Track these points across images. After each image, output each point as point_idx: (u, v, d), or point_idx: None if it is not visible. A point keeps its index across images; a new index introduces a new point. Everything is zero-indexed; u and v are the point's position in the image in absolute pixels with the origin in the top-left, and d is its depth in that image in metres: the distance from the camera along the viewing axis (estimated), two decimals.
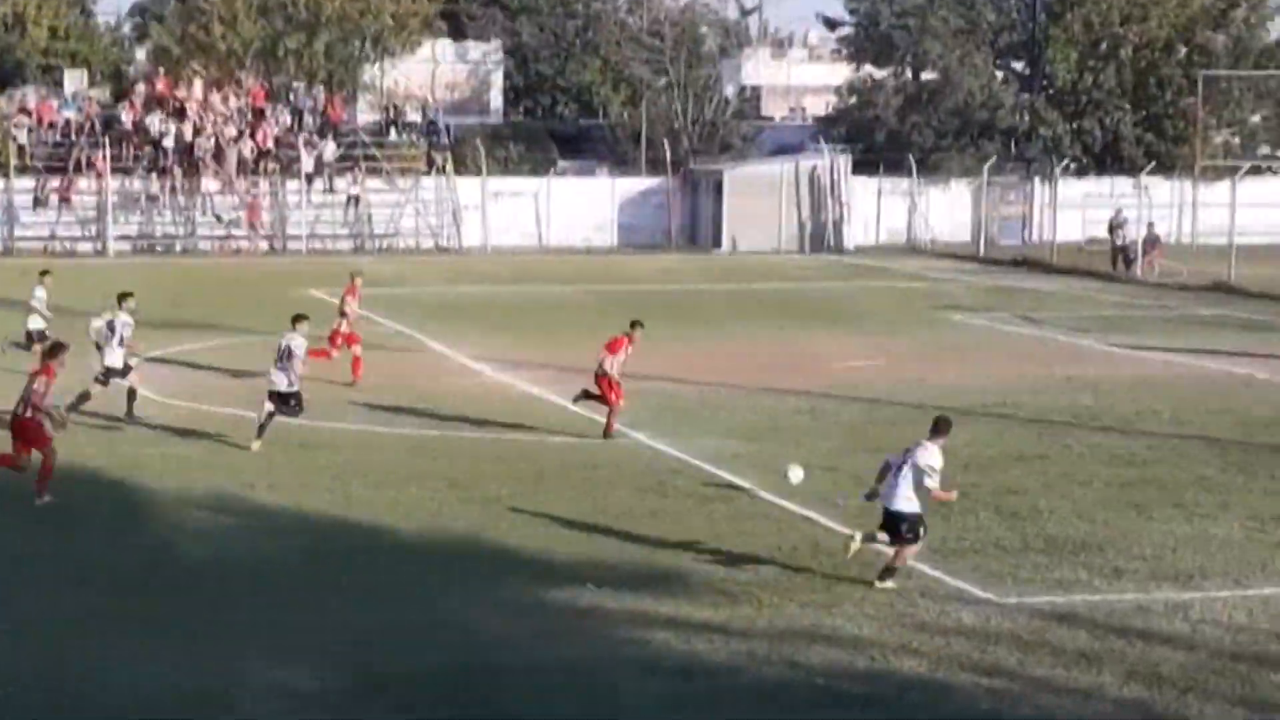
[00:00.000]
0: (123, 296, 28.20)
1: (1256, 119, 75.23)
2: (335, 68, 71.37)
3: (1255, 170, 68.59)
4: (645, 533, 20.65)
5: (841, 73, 77.81)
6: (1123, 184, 67.01)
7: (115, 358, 27.56)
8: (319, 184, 64.63)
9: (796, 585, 18.40)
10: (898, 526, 18.37)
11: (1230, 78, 71.60)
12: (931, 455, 18.29)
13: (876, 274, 57.97)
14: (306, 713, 14.62)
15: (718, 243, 66.98)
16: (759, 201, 66.67)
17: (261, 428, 25.37)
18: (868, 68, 75.07)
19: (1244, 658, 16.02)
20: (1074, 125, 71.72)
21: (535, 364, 34.06)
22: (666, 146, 68.49)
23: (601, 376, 26.81)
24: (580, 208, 67.20)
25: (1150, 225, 57.87)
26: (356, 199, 64.72)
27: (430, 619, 17.10)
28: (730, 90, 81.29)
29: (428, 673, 15.54)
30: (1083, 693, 15.11)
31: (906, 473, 18.28)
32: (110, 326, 27.70)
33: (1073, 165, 70.56)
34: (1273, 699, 14.91)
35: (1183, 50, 72.81)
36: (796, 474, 20.53)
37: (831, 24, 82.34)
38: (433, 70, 75.51)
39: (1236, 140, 74.48)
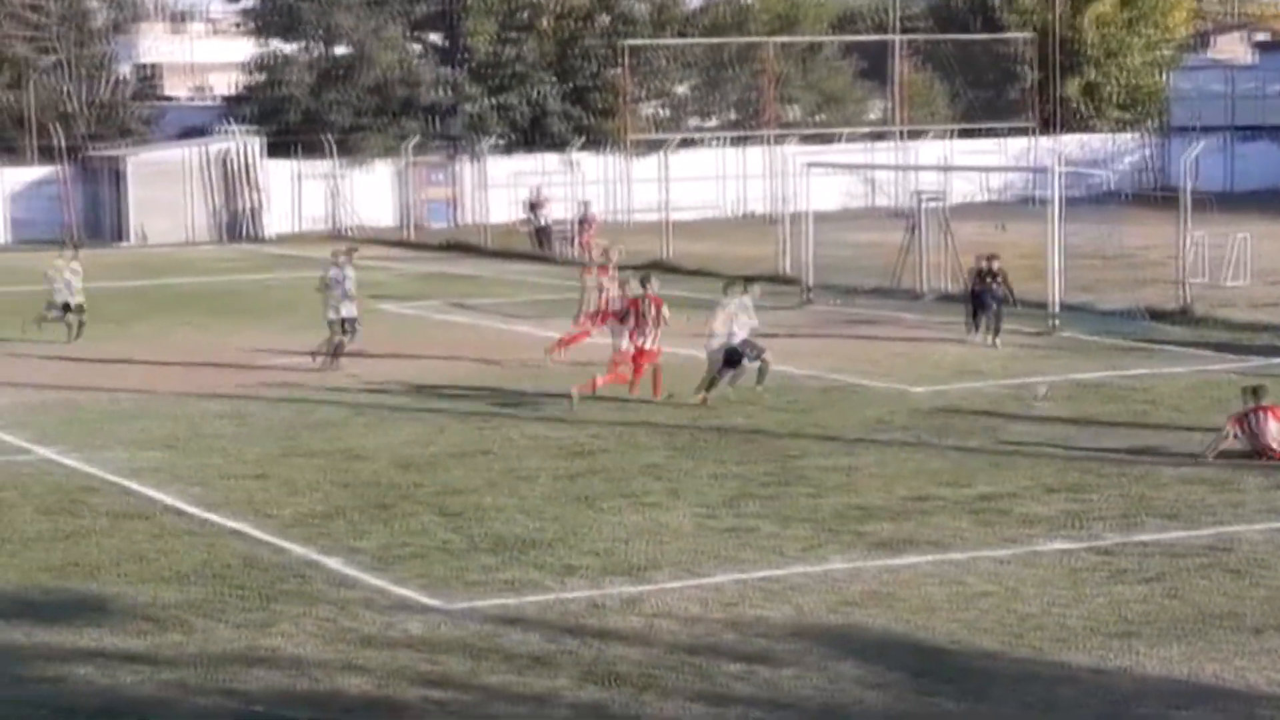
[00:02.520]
0: (350, 251, 35.80)
1: (684, 89, 77.78)
2: None
3: (686, 143, 70.96)
4: (57, 559, 20.06)
5: (247, 48, 77.01)
6: (553, 160, 68.35)
7: (350, 309, 33.81)
8: None
9: (229, 605, 18.15)
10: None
11: (654, 47, 73.78)
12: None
13: (300, 263, 57.46)
14: None
15: (124, 235, 65.58)
16: (167, 189, 65.48)
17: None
18: (275, 42, 74.47)
19: (700, 650, 16.52)
20: (498, 100, 72.66)
21: None
22: (58, 132, 66.57)
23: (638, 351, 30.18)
24: None
25: (585, 204, 59.10)
26: None
27: None
28: (126, 69, 79.53)
29: None
30: (538, 699, 15.33)
31: None
32: (334, 280, 33.75)
33: (500, 142, 71.56)
34: (730, 691, 15.42)
35: (605, 19, 74.65)
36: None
37: None
38: None
39: (666, 112, 76.87)
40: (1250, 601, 17.88)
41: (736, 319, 29.61)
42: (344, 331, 34.06)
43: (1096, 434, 26.61)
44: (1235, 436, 24.56)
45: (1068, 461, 24.64)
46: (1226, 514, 21.58)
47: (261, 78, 74.42)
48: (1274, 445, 24.34)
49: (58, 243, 63.24)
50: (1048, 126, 76.44)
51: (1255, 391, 25.12)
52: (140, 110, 73.39)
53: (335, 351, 33.90)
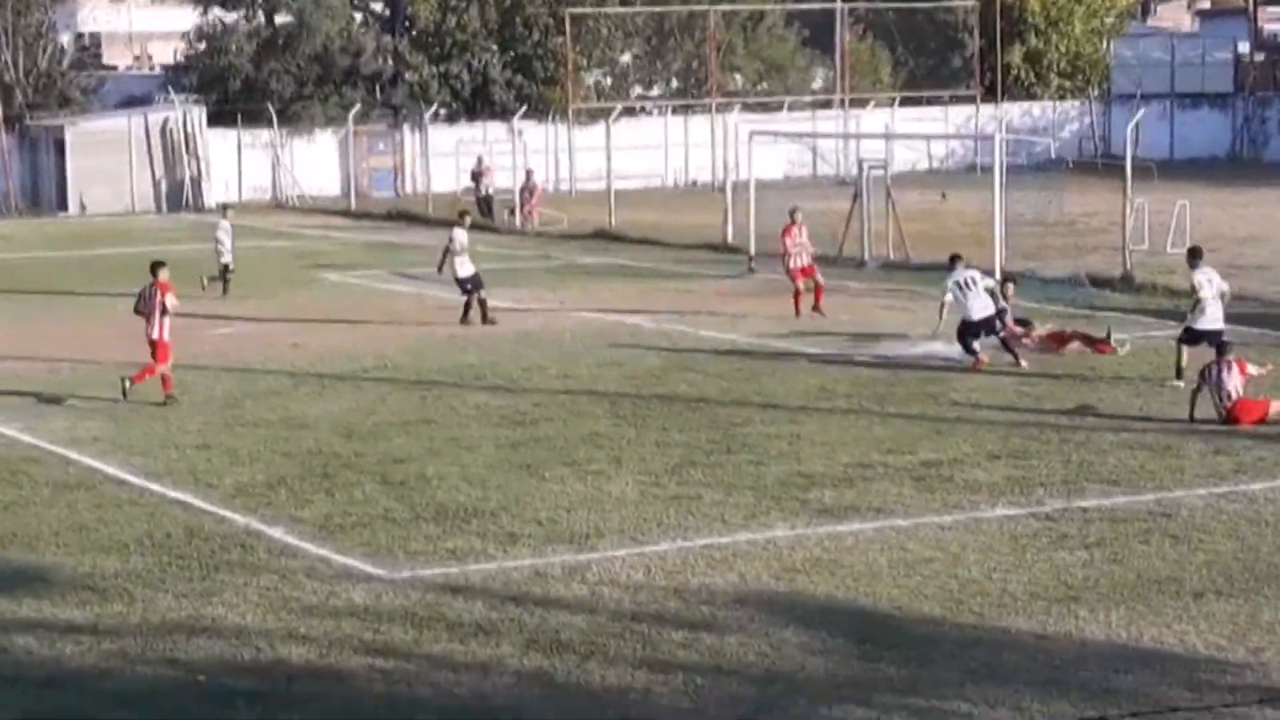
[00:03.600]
0: (464, 213, 37.91)
1: (627, 58, 77.68)
2: None
3: (629, 112, 70.93)
4: None
5: (189, 17, 76.55)
6: (496, 129, 68.18)
7: (467, 269, 34.97)
8: None
9: (171, 575, 18.09)
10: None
11: (597, 15, 73.65)
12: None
13: (242, 233, 56.94)
14: None
15: (65, 205, 65.22)
16: (107, 159, 65.20)
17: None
18: (216, 11, 74.05)
19: (644, 618, 16.54)
20: (441, 69, 72.44)
21: None
22: None
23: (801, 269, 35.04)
24: None
25: (529, 172, 59.01)
26: None
27: None
28: (66, 38, 79.02)
29: None
30: (481, 667, 15.33)
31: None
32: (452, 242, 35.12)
33: (443, 111, 71.37)
34: (674, 658, 15.44)
35: None
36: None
37: None
38: None
39: (609, 81, 76.78)
40: (1191, 566, 17.99)
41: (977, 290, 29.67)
42: (466, 290, 34.92)
43: (1038, 400, 26.72)
44: (1199, 388, 24.88)
45: (1010, 428, 24.72)
46: (1168, 479, 21.69)
47: (202, 47, 74.03)
48: (1233, 396, 24.58)
49: None
50: (990, 94, 76.62)
51: (1220, 347, 25.69)
52: (80, 80, 72.89)
53: (467, 310, 34.90)
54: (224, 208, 43.11)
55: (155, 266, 28.11)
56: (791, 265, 35.70)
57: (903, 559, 18.37)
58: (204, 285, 39.59)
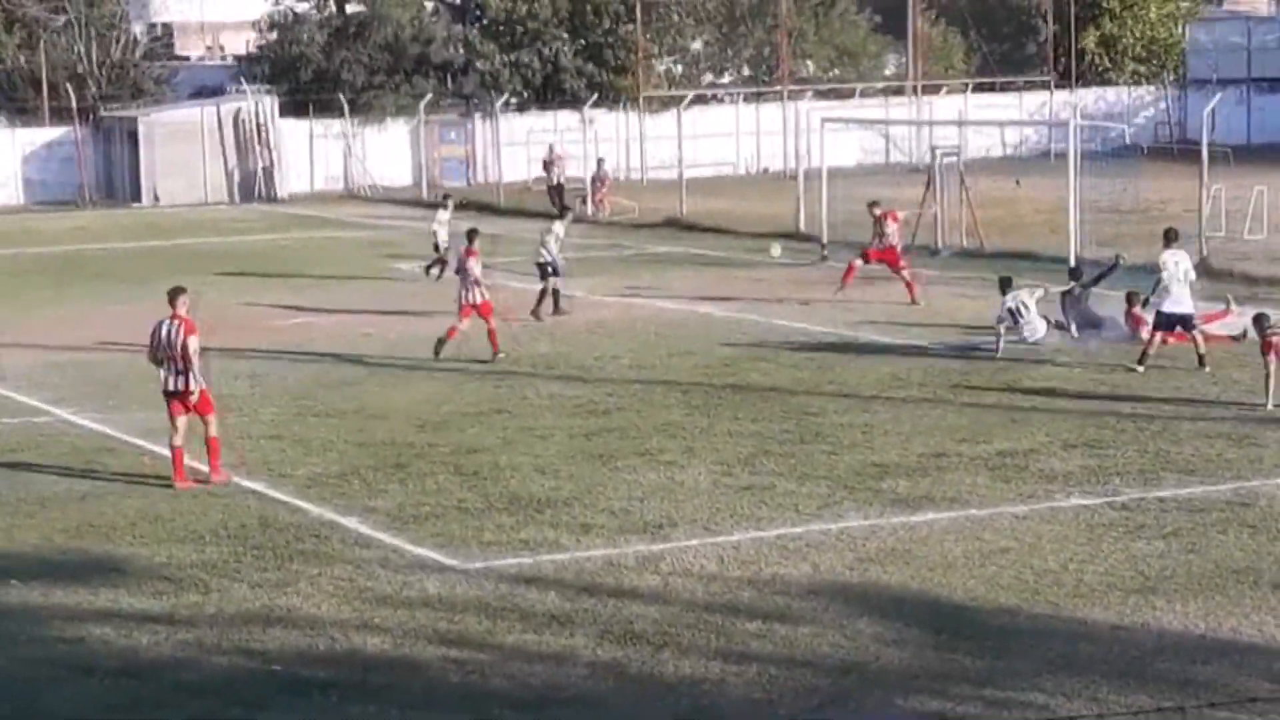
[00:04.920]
0: (567, 208, 39.30)
1: (699, 45, 77.61)
2: None
3: (700, 99, 70.86)
4: (75, 520, 20.12)
5: (260, 7, 76.92)
6: (567, 117, 68.29)
7: (543, 254, 34.95)
8: None
9: (246, 565, 18.20)
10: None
11: (669, 2, 73.58)
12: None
13: (314, 223, 57.70)
14: None
15: (138, 196, 65.61)
16: (180, 150, 65.55)
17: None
18: (288, 1, 74.41)
19: (717, 608, 16.54)
20: (512, 57, 72.56)
21: None
22: (71, 93, 66.53)
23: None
24: None
25: (600, 161, 59.04)
26: None
27: None
28: (139, 28, 79.48)
29: None
30: (555, 657, 15.37)
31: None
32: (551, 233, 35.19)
33: (513, 100, 71.47)
34: (748, 649, 15.45)
35: None
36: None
37: None
38: None
39: (680, 68, 76.74)
40: (1269, 556, 17.87)
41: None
42: (545, 275, 34.97)
43: (1114, 388, 26.58)
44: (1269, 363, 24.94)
45: (1086, 416, 24.61)
46: (1245, 469, 21.55)
47: (274, 36, 74.40)
48: None
49: (71, 203, 63.75)
50: (1065, 80, 76.21)
51: (1258, 320, 25.82)
52: (153, 70, 73.40)
53: (541, 301, 34.82)
54: (445, 198, 44.23)
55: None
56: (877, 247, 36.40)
57: (978, 549, 18.32)
58: (426, 273, 40.75)
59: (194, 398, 21.73)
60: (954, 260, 41.75)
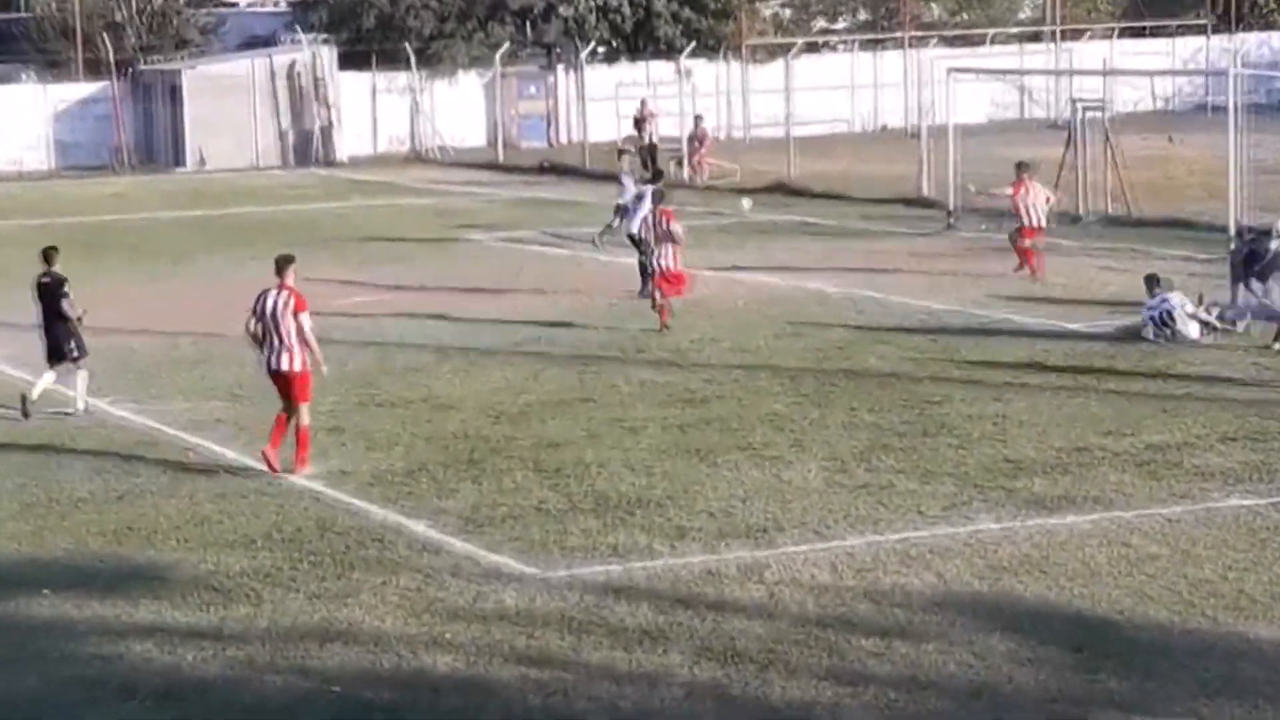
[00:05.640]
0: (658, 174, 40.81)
1: None
2: None
3: (811, 48, 70.76)
4: (112, 522, 20.31)
5: None
6: (661, 69, 68.30)
7: (634, 226, 35.59)
8: None
9: (302, 574, 18.33)
10: None
11: None
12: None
13: (377, 189, 57.95)
14: None
15: (181, 160, 66.04)
16: (228, 107, 65.86)
17: None
18: None
19: (829, 622, 16.56)
20: (599, 1, 72.60)
21: None
22: (107, 44, 67.04)
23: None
24: (3, 123, 65.36)
25: (698, 118, 58.99)
26: None
27: None
28: None
29: None
30: (648, 678, 15.41)
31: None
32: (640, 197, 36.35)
33: (601, 50, 71.54)
34: (865, 669, 15.45)
35: None
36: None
37: None
38: None
39: (788, 13, 76.67)
40: None
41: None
42: (639, 249, 34.92)
43: None
44: None
45: (1247, 406, 24.48)
46: None
47: None
48: None
49: (107, 167, 64.13)
50: (1224, 23, 75.67)
51: None
52: (197, 18, 73.87)
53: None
54: (620, 152, 45.54)
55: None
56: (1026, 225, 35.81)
57: (1125, 556, 18.26)
58: (595, 243, 40.99)
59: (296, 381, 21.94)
60: (1098, 228, 41.57)
